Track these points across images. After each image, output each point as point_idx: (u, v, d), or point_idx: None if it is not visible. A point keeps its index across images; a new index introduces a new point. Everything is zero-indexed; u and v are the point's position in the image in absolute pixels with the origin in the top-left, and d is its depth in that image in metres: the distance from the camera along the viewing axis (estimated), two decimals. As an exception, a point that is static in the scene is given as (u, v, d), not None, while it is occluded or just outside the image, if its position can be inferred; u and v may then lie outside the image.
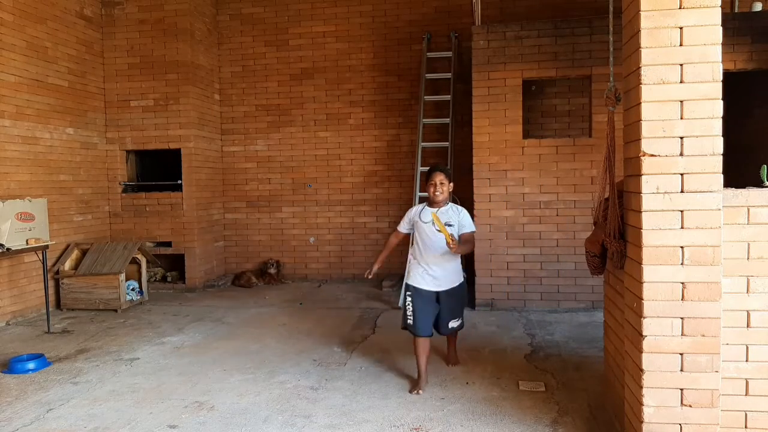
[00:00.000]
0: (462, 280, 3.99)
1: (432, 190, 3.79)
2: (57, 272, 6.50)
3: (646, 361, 2.60)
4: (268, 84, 8.16)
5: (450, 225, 3.70)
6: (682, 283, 2.55)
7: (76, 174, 6.98)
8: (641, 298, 2.59)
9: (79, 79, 7.08)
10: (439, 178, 3.78)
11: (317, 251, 8.18)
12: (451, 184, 3.86)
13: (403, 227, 4.01)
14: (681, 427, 2.59)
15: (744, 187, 2.66)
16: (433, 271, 3.81)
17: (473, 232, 3.84)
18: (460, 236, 3.75)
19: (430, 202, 3.85)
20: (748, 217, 2.58)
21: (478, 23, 6.20)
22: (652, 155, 2.55)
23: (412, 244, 3.98)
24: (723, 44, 2.50)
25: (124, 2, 7.49)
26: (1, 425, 3.41)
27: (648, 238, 2.57)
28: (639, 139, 2.58)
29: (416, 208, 3.94)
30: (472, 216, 5.99)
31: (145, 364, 4.51)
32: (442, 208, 3.81)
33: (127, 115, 7.56)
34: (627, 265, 2.85)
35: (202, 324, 5.77)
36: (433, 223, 3.70)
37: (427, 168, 3.87)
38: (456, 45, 7.40)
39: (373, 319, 5.83)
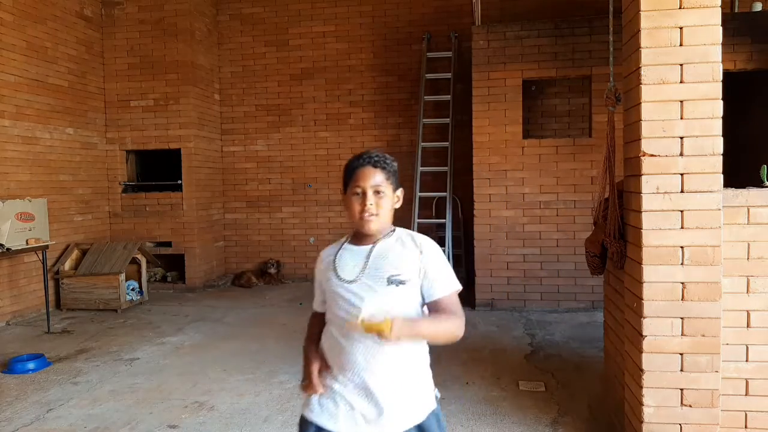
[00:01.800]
0: (433, 408, 1.73)
1: (357, 207, 1.68)
2: (57, 272, 6.49)
3: (646, 361, 2.60)
4: (268, 84, 8.16)
5: (400, 282, 1.63)
6: (682, 283, 2.55)
7: (76, 174, 6.98)
8: (641, 298, 2.60)
9: (79, 79, 7.08)
10: (374, 179, 1.68)
11: (317, 251, 8.16)
12: (399, 192, 1.75)
13: (320, 303, 1.84)
14: (681, 427, 2.59)
15: (744, 187, 2.66)
16: (358, 391, 1.64)
17: (457, 291, 1.69)
18: (430, 304, 1.68)
19: (357, 234, 1.76)
20: (748, 217, 2.58)
21: (478, 23, 6.20)
22: (652, 155, 2.55)
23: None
24: (723, 44, 2.50)
25: (124, 2, 7.49)
26: (1, 425, 3.41)
27: (648, 238, 2.57)
28: (639, 139, 2.58)
29: (328, 252, 1.80)
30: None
31: (145, 364, 4.51)
32: (383, 244, 1.71)
33: (127, 115, 7.56)
34: (627, 265, 2.85)
35: (202, 324, 5.77)
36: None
37: (353, 161, 1.74)
38: (456, 45, 7.40)
39: (373, 319, 5.82)
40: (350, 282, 1.67)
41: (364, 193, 1.67)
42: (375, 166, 1.70)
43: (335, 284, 1.70)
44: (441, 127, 7.32)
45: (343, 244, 1.79)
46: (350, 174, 1.72)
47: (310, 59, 8.04)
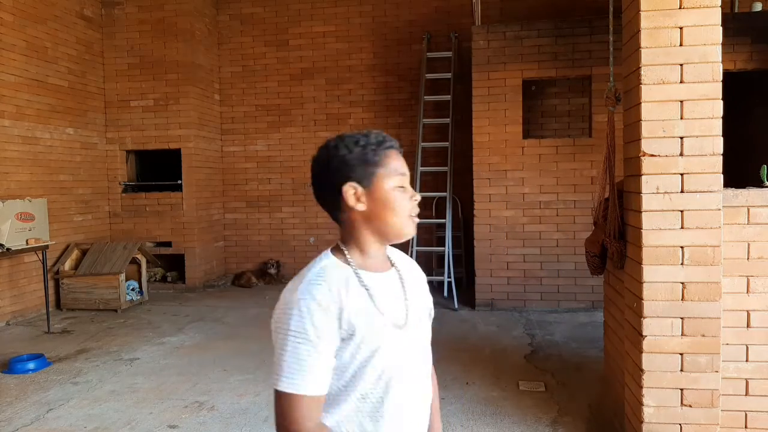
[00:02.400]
0: None
1: (407, 205, 1.23)
2: (57, 272, 6.49)
3: (646, 361, 2.60)
4: (268, 84, 8.16)
5: (431, 314, 1.37)
6: (682, 283, 2.55)
7: (76, 174, 6.98)
8: (641, 298, 2.59)
9: (79, 79, 7.07)
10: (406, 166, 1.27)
11: (317, 251, 8.14)
12: None
13: (319, 384, 1.11)
14: (681, 427, 2.59)
15: (744, 187, 2.66)
16: None
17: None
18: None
19: (367, 252, 1.26)
20: (748, 217, 2.58)
21: (478, 23, 6.20)
22: (652, 155, 2.55)
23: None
24: (723, 44, 2.50)
25: (124, 2, 7.49)
26: (1, 425, 3.41)
27: (648, 238, 2.57)
28: (639, 139, 2.58)
29: (338, 289, 1.15)
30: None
31: (145, 364, 4.50)
32: (401, 264, 1.33)
33: (127, 115, 7.56)
34: (627, 265, 2.85)
35: (202, 324, 5.77)
36: None
37: (379, 140, 1.25)
38: (456, 45, 7.40)
39: (373, 319, 5.82)
40: (402, 326, 1.20)
41: (405, 187, 1.23)
42: (400, 152, 1.27)
43: (393, 335, 1.18)
44: (441, 127, 7.32)
45: (356, 272, 1.20)
46: (379, 157, 1.21)
47: (310, 59, 8.04)
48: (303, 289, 1.14)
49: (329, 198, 1.27)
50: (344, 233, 1.29)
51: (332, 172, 1.24)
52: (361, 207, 1.22)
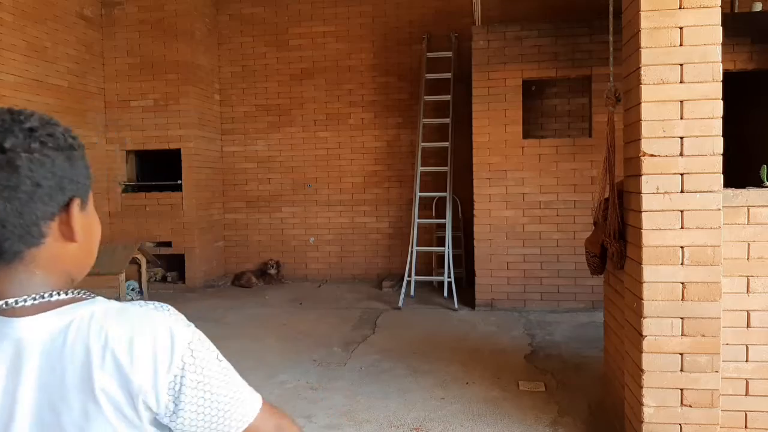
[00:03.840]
0: None
1: None
2: (57, 272, 6.49)
3: (646, 361, 2.60)
4: (268, 84, 8.16)
5: None
6: (682, 283, 2.55)
7: (76, 174, 6.97)
8: (641, 298, 2.60)
9: (79, 79, 7.07)
10: None
11: (317, 251, 8.18)
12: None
13: None
14: (681, 427, 2.59)
15: (744, 187, 2.66)
16: None
17: None
18: None
19: None
20: (748, 217, 2.59)
21: (478, 23, 6.20)
22: (652, 155, 2.55)
23: None
24: (723, 44, 2.50)
25: (124, 2, 7.49)
26: (1, 425, 3.40)
27: (648, 238, 2.57)
28: (639, 139, 2.58)
29: None
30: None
31: (145, 364, 4.50)
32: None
33: (127, 115, 7.56)
34: (627, 265, 2.86)
35: (202, 324, 5.70)
36: None
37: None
38: (456, 45, 7.40)
39: (373, 319, 5.83)
40: None
41: None
42: None
43: None
44: (441, 127, 7.32)
45: None
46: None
47: (310, 59, 8.04)
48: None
49: (32, 218, 0.78)
50: (47, 273, 0.84)
51: (48, 175, 0.78)
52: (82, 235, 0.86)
